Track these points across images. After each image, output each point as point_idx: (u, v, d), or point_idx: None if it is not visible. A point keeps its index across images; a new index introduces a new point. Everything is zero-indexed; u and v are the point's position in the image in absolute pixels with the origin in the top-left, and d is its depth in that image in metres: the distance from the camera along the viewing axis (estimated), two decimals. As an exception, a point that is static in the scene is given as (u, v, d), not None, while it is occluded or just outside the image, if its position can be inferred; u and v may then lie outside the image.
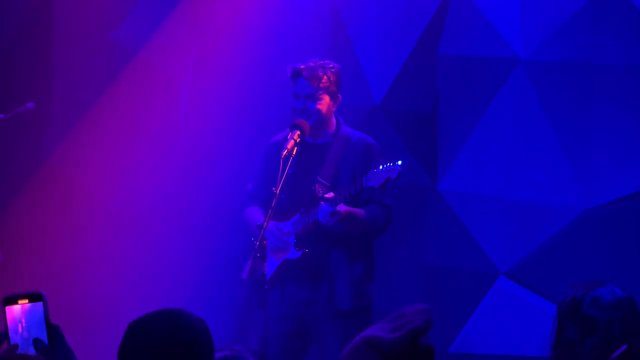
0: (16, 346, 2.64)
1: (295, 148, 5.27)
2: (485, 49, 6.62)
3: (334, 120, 5.55)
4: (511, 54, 6.52)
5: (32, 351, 2.65)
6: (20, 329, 2.68)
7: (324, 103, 5.45)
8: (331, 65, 5.48)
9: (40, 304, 2.68)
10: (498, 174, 6.59)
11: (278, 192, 5.12)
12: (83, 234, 7.43)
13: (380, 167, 5.11)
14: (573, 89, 6.38)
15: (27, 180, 7.52)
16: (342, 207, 5.25)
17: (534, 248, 6.46)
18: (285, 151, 5.23)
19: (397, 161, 5.07)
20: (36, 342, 2.66)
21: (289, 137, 5.32)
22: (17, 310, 2.68)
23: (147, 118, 7.44)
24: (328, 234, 5.41)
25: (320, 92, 5.42)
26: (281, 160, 5.21)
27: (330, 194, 5.23)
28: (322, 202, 5.24)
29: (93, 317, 7.30)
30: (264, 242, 5.14)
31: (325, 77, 5.41)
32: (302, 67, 5.44)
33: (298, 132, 5.32)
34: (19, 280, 7.33)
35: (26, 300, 2.68)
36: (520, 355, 6.50)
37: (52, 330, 2.68)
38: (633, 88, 6.21)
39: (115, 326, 7.45)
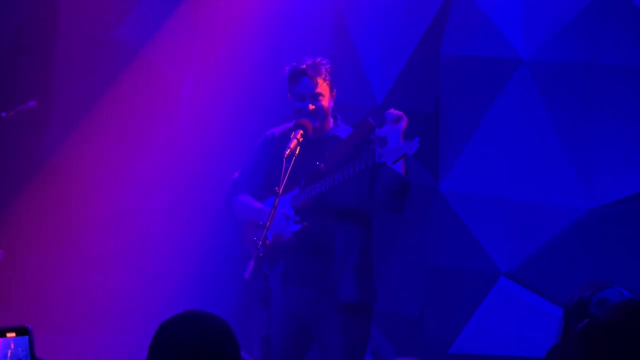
0: None
1: (298, 147, 5.25)
2: (487, 49, 6.62)
3: (331, 115, 5.57)
4: (514, 54, 6.51)
5: None
6: None
7: (328, 100, 5.46)
8: (325, 61, 5.49)
9: (26, 338, 2.69)
10: (500, 174, 6.58)
11: (281, 191, 5.10)
12: (84, 232, 7.43)
13: (396, 143, 5.10)
14: (576, 90, 6.37)
15: (28, 178, 7.52)
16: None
17: (536, 248, 6.45)
18: (289, 150, 5.22)
19: (414, 138, 5.05)
20: None
21: (292, 136, 5.30)
22: (3, 343, 2.69)
23: (148, 117, 7.44)
24: (328, 210, 5.38)
25: (325, 89, 5.42)
26: (284, 159, 5.19)
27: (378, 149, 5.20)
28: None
29: (94, 315, 7.30)
30: (267, 242, 5.10)
31: (325, 73, 5.42)
32: (304, 67, 5.42)
33: (301, 132, 5.31)
34: (20, 279, 7.33)
35: (13, 334, 2.69)
36: (521, 356, 6.50)
37: None
38: (636, 88, 6.20)
39: (116, 325, 7.45)
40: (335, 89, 5.51)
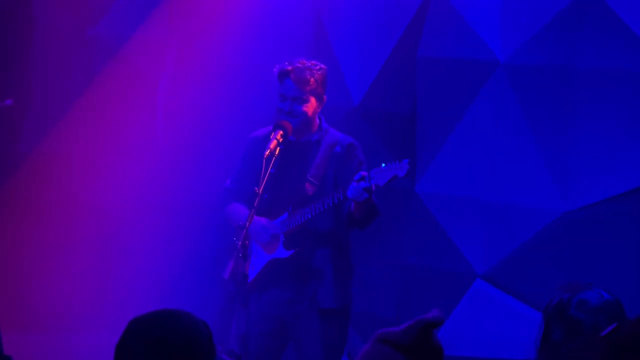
0: None
1: (278, 148, 5.25)
2: (464, 51, 6.63)
3: (317, 119, 5.55)
4: (490, 56, 6.52)
5: None
6: None
7: (310, 105, 5.45)
8: (318, 67, 5.47)
9: None
10: (476, 176, 6.60)
11: (261, 191, 5.10)
12: (61, 232, 7.39)
13: (383, 165, 5.09)
14: (552, 92, 6.38)
15: (4, 177, 7.47)
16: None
17: (512, 250, 6.46)
18: (268, 151, 5.22)
19: (403, 160, 5.07)
20: None
21: (271, 136, 5.31)
22: None
23: (125, 116, 7.42)
24: (316, 233, 5.41)
25: (307, 94, 5.41)
26: (264, 160, 5.20)
27: (364, 172, 5.16)
28: (354, 182, 5.15)
29: (74, 314, 7.27)
30: (246, 242, 5.12)
31: (312, 80, 5.40)
32: (290, 68, 5.41)
33: (281, 132, 5.31)
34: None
35: None
36: (496, 358, 6.51)
37: None
38: (612, 91, 6.22)
39: (95, 324, 7.40)
40: (325, 95, 5.49)
